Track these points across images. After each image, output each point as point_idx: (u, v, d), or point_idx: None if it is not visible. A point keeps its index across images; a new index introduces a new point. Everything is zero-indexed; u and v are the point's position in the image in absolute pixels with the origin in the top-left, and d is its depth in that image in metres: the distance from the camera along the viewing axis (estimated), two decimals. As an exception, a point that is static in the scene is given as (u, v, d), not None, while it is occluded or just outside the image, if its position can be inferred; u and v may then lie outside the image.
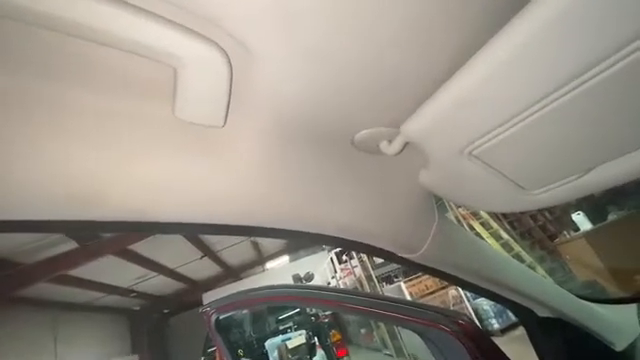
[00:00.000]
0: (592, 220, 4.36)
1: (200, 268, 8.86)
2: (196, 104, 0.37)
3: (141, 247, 6.22)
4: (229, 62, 0.34)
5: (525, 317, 0.87)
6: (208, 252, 7.93)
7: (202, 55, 0.32)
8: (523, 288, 0.81)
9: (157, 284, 8.78)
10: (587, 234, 4.19)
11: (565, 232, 4.89)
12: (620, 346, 0.85)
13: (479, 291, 0.82)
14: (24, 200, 0.36)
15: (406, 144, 0.50)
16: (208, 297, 9.48)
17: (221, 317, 1.38)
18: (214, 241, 7.61)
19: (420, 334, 0.86)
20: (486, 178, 0.52)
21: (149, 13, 0.28)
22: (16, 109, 0.33)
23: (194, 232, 0.51)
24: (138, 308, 10.19)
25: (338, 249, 9.27)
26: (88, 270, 6.01)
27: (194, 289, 10.26)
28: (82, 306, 7.93)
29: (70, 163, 0.36)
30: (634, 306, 0.94)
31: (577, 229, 4.47)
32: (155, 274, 7.86)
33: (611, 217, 4.25)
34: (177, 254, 7.34)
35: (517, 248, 5.63)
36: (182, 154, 0.42)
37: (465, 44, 0.36)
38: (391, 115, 0.47)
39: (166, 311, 11.57)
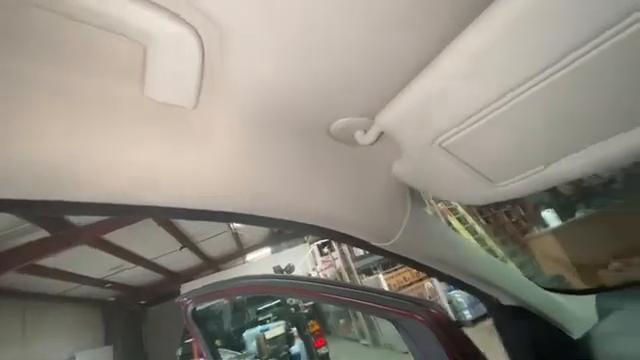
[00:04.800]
0: (561, 217, 4.58)
1: (179, 259, 8.72)
2: (165, 83, 0.36)
3: (117, 237, 6.04)
4: (201, 41, 0.33)
5: (491, 305, 0.91)
6: (188, 243, 7.80)
7: (173, 33, 0.32)
8: (488, 277, 0.84)
9: (134, 275, 8.59)
10: (555, 230, 4.40)
11: (536, 228, 5.11)
12: (577, 334, 0.90)
13: (448, 280, 0.84)
14: None
15: (380, 135, 0.51)
16: (187, 288, 9.35)
17: (198, 307, 1.37)
18: (194, 232, 7.48)
19: (394, 323, 0.89)
20: (455, 170, 0.53)
21: None
22: None
23: (166, 216, 0.50)
24: (113, 299, 9.95)
25: (320, 241, 9.36)
26: (61, 260, 5.81)
27: (173, 280, 10.10)
28: (54, 297, 7.68)
29: (39, 141, 0.34)
30: (593, 297, 1.00)
31: (547, 225, 4.69)
32: (132, 265, 7.68)
33: (578, 215, 4.47)
34: (156, 245, 7.18)
35: (490, 243, 5.86)
36: (154, 135, 0.41)
37: (438, 36, 0.37)
38: (366, 105, 0.47)
39: (143, 302, 11.36)
